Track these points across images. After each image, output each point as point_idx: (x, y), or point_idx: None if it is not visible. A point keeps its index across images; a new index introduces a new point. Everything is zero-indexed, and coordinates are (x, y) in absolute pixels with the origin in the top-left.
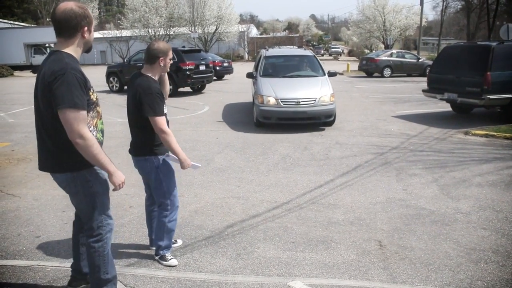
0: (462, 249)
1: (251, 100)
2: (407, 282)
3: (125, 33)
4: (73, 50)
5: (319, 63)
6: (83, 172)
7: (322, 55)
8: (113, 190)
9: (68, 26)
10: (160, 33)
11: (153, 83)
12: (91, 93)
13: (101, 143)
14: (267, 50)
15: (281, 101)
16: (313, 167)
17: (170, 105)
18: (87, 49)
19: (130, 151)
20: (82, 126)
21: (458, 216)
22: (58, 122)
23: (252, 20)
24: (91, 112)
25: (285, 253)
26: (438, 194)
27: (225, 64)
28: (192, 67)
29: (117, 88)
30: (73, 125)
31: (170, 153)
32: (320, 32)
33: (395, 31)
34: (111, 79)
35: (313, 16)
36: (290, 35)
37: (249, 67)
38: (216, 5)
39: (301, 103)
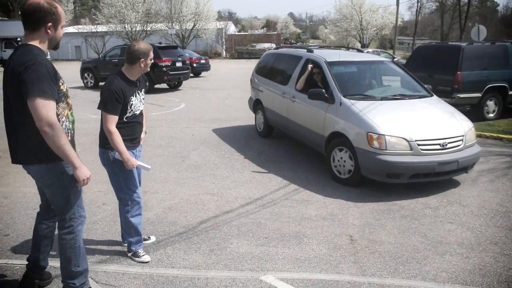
0: (429, 243)
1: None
2: (376, 275)
3: (101, 28)
4: (38, 43)
5: (410, 74)
6: (57, 163)
7: None
8: (77, 185)
9: (32, 19)
10: (137, 29)
11: (117, 81)
12: (61, 84)
13: (72, 134)
14: (311, 52)
15: (419, 145)
16: (287, 163)
17: (146, 102)
18: (53, 46)
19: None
20: (51, 114)
21: (427, 211)
22: (29, 112)
23: (231, 17)
24: (61, 103)
25: (258, 248)
26: (408, 190)
27: (203, 61)
28: (168, 63)
29: (92, 84)
30: (42, 113)
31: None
32: (298, 30)
33: (372, 30)
34: (85, 75)
35: (291, 14)
36: (268, 33)
37: (227, 64)
38: (193, 2)
39: (448, 146)
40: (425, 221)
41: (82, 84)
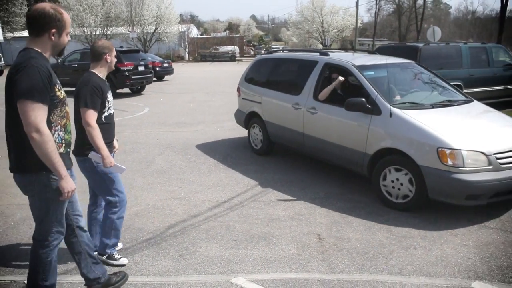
0: (394, 237)
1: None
2: (344, 272)
3: None
4: (40, 49)
5: (439, 76)
6: (42, 174)
7: None
8: (60, 198)
9: (37, 25)
10: (97, 33)
11: (94, 77)
12: (57, 90)
13: (69, 144)
14: (327, 55)
15: (498, 159)
16: (254, 165)
17: None
18: (57, 52)
19: (73, 151)
20: (40, 119)
21: None
22: (18, 117)
23: (193, 20)
24: (58, 111)
25: (227, 251)
26: (369, 186)
27: (165, 65)
28: (130, 67)
29: None
30: (30, 117)
31: (93, 151)
32: (261, 33)
33: (333, 32)
34: None
35: (253, 17)
36: (231, 36)
37: (191, 67)
38: (155, 5)
39: None
40: (389, 217)
41: None
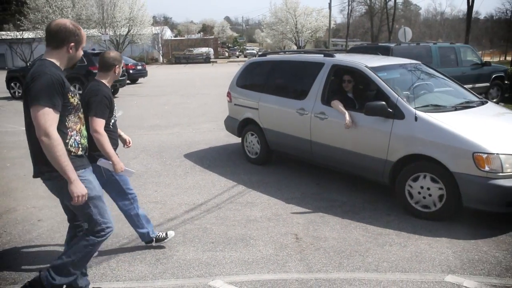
0: (370, 235)
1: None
2: (322, 271)
3: (27, 34)
4: (56, 60)
5: (448, 77)
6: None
7: (238, 57)
8: (71, 202)
9: (56, 38)
10: None
11: (103, 87)
12: (70, 97)
13: (85, 148)
14: (332, 56)
15: None
16: (231, 167)
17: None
18: (71, 65)
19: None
20: (49, 124)
21: (366, 205)
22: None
23: (166, 22)
24: (71, 116)
25: (205, 253)
26: (348, 186)
27: (139, 67)
28: None
29: (19, 94)
30: (40, 122)
31: (102, 158)
32: (235, 34)
33: (307, 33)
34: (12, 84)
35: (227, 18)
36: (205, 37)
37: (165, 69)
38: (127, 6)
39: None
40: (365, 215)
41: (9, 94)
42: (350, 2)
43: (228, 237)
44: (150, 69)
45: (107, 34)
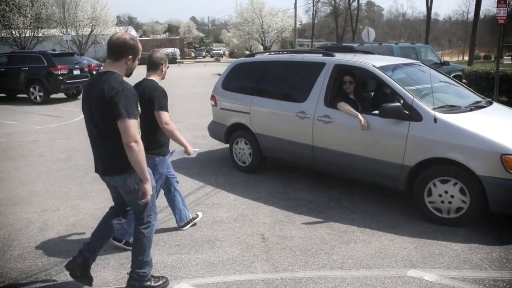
0: (335, 233)
1: None
2: (288, 270)
3: None
4: (118, 71)
5: (450, 77)
6: (136, 174)
7: (204, 57)
8: (140, 199)
9: (117, 51)
10: (27, 35)
11: (158, 84)
12: (139, 105)
13: None
14: (333, 55)
15: None
16: (197, 168)
17: (42, 113)
18: (128, 74)
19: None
20: (136, 132)
21: (332, 203)
22: (112, 130)
23: (131, 22)
24: (137, 122)
25: (170, 256)
26: (314, 185)
27: (102, 68)
28: (65, 71)
29: None
30: (131, 132)
31: (175, 151)
32: (201, 34)
33: (273, 33)
34: None
35: (193, 19)
36: (171, 38)
37: None
38: (89, 6)
39: None
40: (330, 213)
41: None
42: (315, 2)
43: (194, 239)
44: None
45: (68, 34)
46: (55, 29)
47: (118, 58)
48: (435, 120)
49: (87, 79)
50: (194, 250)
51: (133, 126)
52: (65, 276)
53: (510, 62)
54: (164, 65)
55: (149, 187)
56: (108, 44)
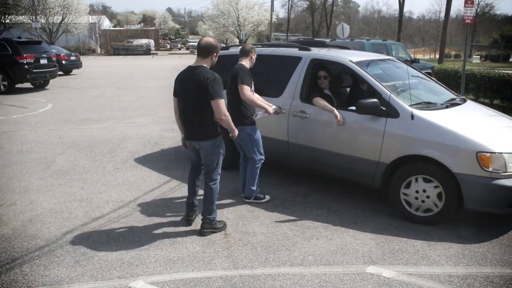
0: (298, 229)
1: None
2: (247, 267)
3: None
4: (206, 65)
5: (422, 72)
6: (219, 139)
7: (180, 49)
8: (232, 137)
9: (206, 51)
10: None
11: (244, 66)
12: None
13: None
14: (309, 50)
15: None
16: (164, 162)
17: (5, 103)
18: (211, 67)
19: (234, 122)
20: (224, 108)
21: (297, 199)
22: (206, 107)
23: (105, 11)
24: None
25: (128, 253)
26: (280, 180)
27: (73, 58)
28: (31, 60)
29: None
30: (222, 109)
31: (258, 113)
32: (177, 26)
33: (249, 26)
34: None
35: (169, 10)
36: (146, 28)
37: (102, 61)
38: None
39: None
40: (295, 209)
41: None
42: None
43: (154, 235)
44: (86, 60)
45: (38, 21)
46: (23, 16)
47: (207, 56)
48: (412, 117)
49: (55, 68)
50: (154, 246)
51: (223, 104)
52: (15, 275)
53: (479, 61)
54: (253, 53)
55: (236, 133)
56: (198, 45)
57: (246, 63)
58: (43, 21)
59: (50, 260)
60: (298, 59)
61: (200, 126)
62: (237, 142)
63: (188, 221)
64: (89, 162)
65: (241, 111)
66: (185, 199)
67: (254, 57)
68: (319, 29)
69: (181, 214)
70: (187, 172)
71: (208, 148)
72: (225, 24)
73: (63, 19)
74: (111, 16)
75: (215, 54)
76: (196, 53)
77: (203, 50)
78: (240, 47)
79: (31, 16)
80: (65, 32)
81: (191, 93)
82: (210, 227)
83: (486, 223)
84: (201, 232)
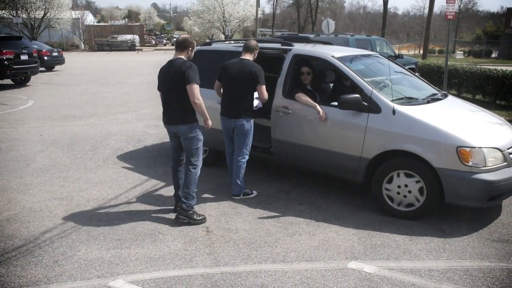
0: (281, 225)
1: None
2: (229, 264)
3: None
4: (184, 57)
5: (404, 67)
6: (195, 124)
7: (165, 45)
8: (206, 127)
9: (183, 45)
10: None
11: (253, 62)
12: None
13: None
14: (292, 45)
15: (510, 155)
16: (146, 159)
17: None
18: (189, 60)
19: (229, 114)
20: (198, 93)
21: (280, 195)
22: (182, 93)
23: (88, 6)
24: None
25: (109, 252)
26: (264, 176)
27: (55, 54)
28: (11, 56)
29: None
30: (196, 93)
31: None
32: (163, 22)
33: (234, 22)
34: None
35: (154, 5)
36: (130, 24)
37: (86, 57)
38: None
39: None
40: (278, 205)
41: None
42: None
43: (136, 233)
44: (70, 56)
45: (19, 16)
46: (3, 11)
47: (183, 50)
48: (394, 112)
49: (36, 64)
50: (135, 244)
51: (197, 89)
52: None
53: (462, 57)
54: (257, 51)
55: (209, 122)
56: (176, 41)
57: (251, 59)
58: (24, 16)
59: (28, 261)
60: (280, 55)
61: (178, 111)
62: (228, 136)
63: (176, 211)
64: (71, 159)
65: (251, 104)
66: (169, 196)
67: (256, 52)
68: (305, 25)
69: (164, 211)
70: (170, 169)
71: (186, 132)
72: (210, 20)
73: (45, 14)
74: (95, 11)
75: (190, 48)
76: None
77: (180, 45)
78: (250, 43)
79: (11, 11)
80: (48, 27)
81: (171, 81)
82: (185, 214)
83: (466, 217)
84: (176, 218)
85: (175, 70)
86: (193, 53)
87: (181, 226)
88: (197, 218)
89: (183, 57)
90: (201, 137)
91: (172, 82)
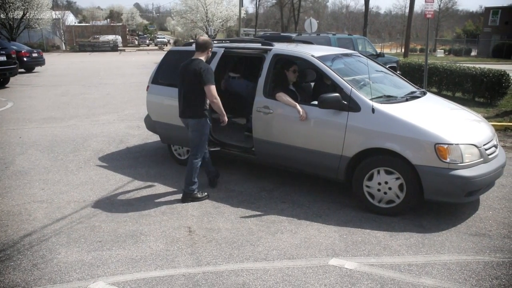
0: (263, 224)
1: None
2: (211, 263)
3: None
4: (203, 58)
5: (383, 65)
6: (204, 119)
7: (148, 45)
8: (221, 123)
9: (203, 47)
10: None
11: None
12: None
13: None
14: (272, 45)
15: (486, 151)
16: (128, 160)
17: None
18: (207, 60)
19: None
20: (215, 93)
21: (263, 194)
22: (199, 92)
23: (69, 6)
24: None
25: (89, 254)
26: (246, 176)
27: (35, 55)
28: None
29: None
30: (213, 93)
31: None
32: (145, 22)
33: (217, 22)
34: None
35: (137, 5)
36: (113, 24)
37: (67, 57)
38: None
39: (496, 148)
40: (261, 204)
41: None
42: None
43: (117, 234)
44: (50, 57)
45: None
46: None
47: (203, 51)
48: (373, 110)
49: (15, 66)
50: (117, 246)
51: (214, 89)
52: None
53: (443, 55)
54: (210, 48)
55: (225, 118)
56: (196, 42)
57: (203, 58)
58: (2, 16)
59: (5, 265)
60: (261, 55)
61: (189, 106)
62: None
63: (211, 184)
64: (51, 162)
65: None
66: (151, 196)
67: (210, 53)
68: (288, 24)
69: (146, 212)
70: (153, 169)
71: (194, 125)
72: (193, 20)
73: (24, 14)
74: (76, 11)
75: (210, 49)
76: (162, 48)
77: (201, 46)
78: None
79: None
80: (27, 28)
81: (186, 79)
82: (190, 196)
83: (445, 212)
84: (182, 200)
85: (192, 70)
86: (210, 53)
87: (163, 226)
88: (201, 196)
89: (202, 58)
90: (207, 131)
91: (187, 80)
